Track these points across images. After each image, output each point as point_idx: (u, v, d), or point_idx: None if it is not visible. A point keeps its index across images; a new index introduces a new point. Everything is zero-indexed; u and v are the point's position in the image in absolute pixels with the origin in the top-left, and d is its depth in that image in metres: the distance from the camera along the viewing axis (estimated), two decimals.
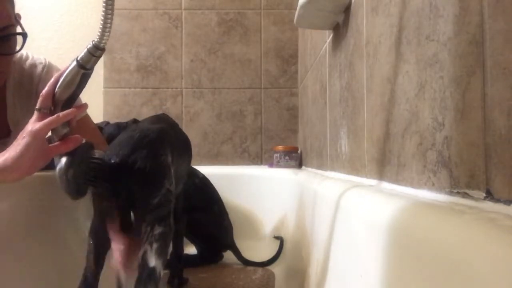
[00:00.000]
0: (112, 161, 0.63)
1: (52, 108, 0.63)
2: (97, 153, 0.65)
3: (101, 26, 0.56)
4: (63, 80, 0.61)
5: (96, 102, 1.82)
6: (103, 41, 0.57)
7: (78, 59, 0.59)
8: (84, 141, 0.64)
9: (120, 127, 1.17)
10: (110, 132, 1.14)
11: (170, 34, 1.86)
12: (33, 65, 0.92)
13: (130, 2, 1.84)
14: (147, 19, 1.85)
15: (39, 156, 0.63)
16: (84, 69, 0.59)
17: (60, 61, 1.78)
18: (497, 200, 0.32)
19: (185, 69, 1.86)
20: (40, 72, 0.92)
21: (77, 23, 1.85)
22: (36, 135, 0.61)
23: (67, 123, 0.64)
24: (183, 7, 1.86)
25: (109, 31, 0.57)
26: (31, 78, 0.91)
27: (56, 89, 0.62)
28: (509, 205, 0.30)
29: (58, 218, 0.83)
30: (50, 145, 0.63)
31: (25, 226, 0.73)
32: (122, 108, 1.84)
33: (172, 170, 0.70)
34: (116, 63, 1.84)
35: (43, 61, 0.94)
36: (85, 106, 0.64)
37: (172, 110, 1.85)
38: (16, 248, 0.70)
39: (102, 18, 0.55)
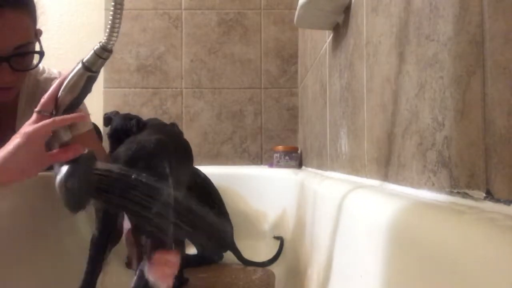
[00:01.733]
0: (110, 173, 0.63)
1: (54, 112, 0.60)
2: (100, 165, 0.63)
3: (109, 27, 0.54)
4: (67, 83, 0.58)
5: (96, 102, 1.82)
6: (111, 42, 0.55)
7: (84, 61, 0.56)
8: (86, 151, 0.62)
9: (128, 120, 1.15)
10: (116, 126, 1.14)
11: (170, 34, 1.86)
12: (49, 79, 0.92)
13: (130, 2, 1.84)
14: (147, 19, 1.85)
15: (32, 160, 0.59)
16: (90, 71, 0.57)
17: (60, 61, 1.78)
18: (497, 200, 0.32)
19: (185, 69, 1.86)
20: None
21: (77, 23, 1.85)
22: (29, 137, 0.57)
23: (69, 130, 0.61)
24: (183, 7, 1.86)
25: (118, 32, 0.55)
26: (44, 91, 0.91)
27: (60, 93, 0.59)
28: (509, 205, 0.30)
29: (58, 220, 0.83)
30: (49, 152, 0.60)
31: (25, 228, 0.73)
32: (122, 108, 1.84)
33: (171, 181, 0.70)
34: (116, 63, 1.84)
35: (57, 75, 0.94)
36: (85, 116, 0.61)
37: (172, 110, 1.85)
38: (16, 250, 0.70)
39: (111, 18, 0.53)
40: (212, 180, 1.32)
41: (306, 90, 1.56)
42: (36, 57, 0.81)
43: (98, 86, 1.82)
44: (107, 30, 0.54)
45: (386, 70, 0.58)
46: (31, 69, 0.81)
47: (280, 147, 1.69)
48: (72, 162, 0.58)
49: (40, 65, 0.92)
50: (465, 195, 0.36)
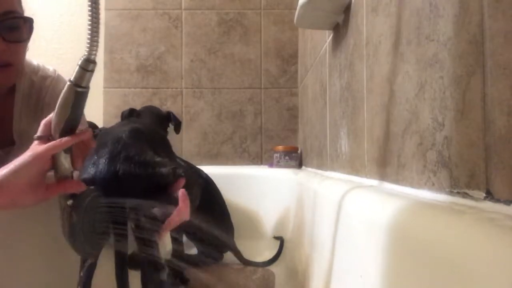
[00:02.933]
0: (98, 177, 0.61)
1: (52, 134, 0.57)
2: (105, 200, 0.59)
3: (88, 37, 0.52)
4: (58, 104, 0.55)
5: (96, 102, 1.82)
6: (93, 53, 0.53)
7: (72, 78, 0.54)
8: (92, 187, 0.58)
9: None
10: None
11: (170, 34, 1.86)
12: (44, 77, 0.92)
13: (130, 2, 1.84)
14: (147, 19, 1.85)
15: (30, 187, 0.54)
16: (78, 87, 0.54)
17: (60, 61, 1.78)
18: (497, 200, 0.32)
19: (185, 69, 1.86)
20: (48, 85, 0.92)
21: (77, 23, 1.85)
22: (37, 157, 0.54)
23: (70, 163, 0.57)
24: (183, 7, 1.86)
25: (97, 42, 0.53)
26: (40, 90, 0.90)
27: (53, 115, 0.56)
28: (509, 205, 0.30)
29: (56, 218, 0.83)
30: (47, 184, 0.56)
31: (23, 226, 0.73)
32: (122, 108, 1.82)
33: (158, 161, 0.67)
34: (116, 63, 1.84)
35: (51, 74, 0.94)
36: (88, 132, 0.58)
37: (172, 110, 1.84)
38: (14, 248, 0.70)
39: (89, 28, 0.51)
40: (213, 180, 1.32)
41: (306, 90, 1.56)
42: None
43: (98, 86, 1.82)
44: (87, 41, 0.52)
45: (386, 70, 0.58)
46: (24, 40, 0.81)
47: (280, 147, 1.69)
48: (75, 198, 0.55)
49: (35, 62, 0.92)
50: (465, 195, 0.36)
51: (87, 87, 0.55)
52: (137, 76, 1.85)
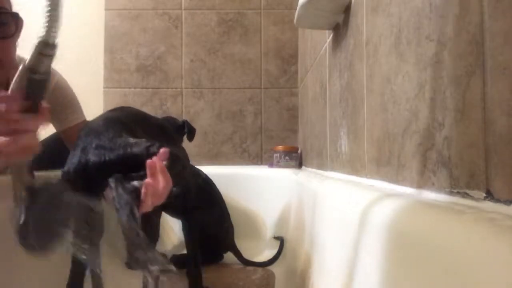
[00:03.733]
0: (71, 170, 0.60)
1: None
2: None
3: (47, 15, 0.44)
4: (10, 88, 0.48)
5: (96, 102, 1.82)
6: (53, 34, 0.46)
7: (26, 63, 0.46)
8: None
9: None
10: None
11: (170, 34, 1.86)
12: None
13: (130, 2, 1.84)
14: (147, 19, 1.85)
15: None
16: (34, 73, 0.46)
17: (59, 61, 1.77)
18: (497, 200, 0.32)
19: (185, 69, 1.86)
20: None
21: (77, 23, 1.85)
22: None
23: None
24: (183, 7, 1.86)
25: (58, 21, 0.45)
26: None
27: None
28: (509, 205, 0.30)
29: None
30: None
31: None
32: None
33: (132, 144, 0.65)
34: (116, 63, 1.84)
35: (54, 73, 0.94)
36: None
37: (172, 110, 1.84)
38: (10, 248, 0.70)
39: (47, 4, 0.43)
40: (212, 180, 1.32)
41: (306, 90, 1.56)
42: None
43: (98, 86, 1.82)
44: (45, 20, 0.44)
45: (386, 70, 0.58)
46: (11, 36, 0.81)
47: (280, 147, 1.69)
48: (31, 191, 0.50)
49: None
50: (465, 195, 0.36)
51: (45, 74, 0.47)
52: (137, 76, 1.85)
